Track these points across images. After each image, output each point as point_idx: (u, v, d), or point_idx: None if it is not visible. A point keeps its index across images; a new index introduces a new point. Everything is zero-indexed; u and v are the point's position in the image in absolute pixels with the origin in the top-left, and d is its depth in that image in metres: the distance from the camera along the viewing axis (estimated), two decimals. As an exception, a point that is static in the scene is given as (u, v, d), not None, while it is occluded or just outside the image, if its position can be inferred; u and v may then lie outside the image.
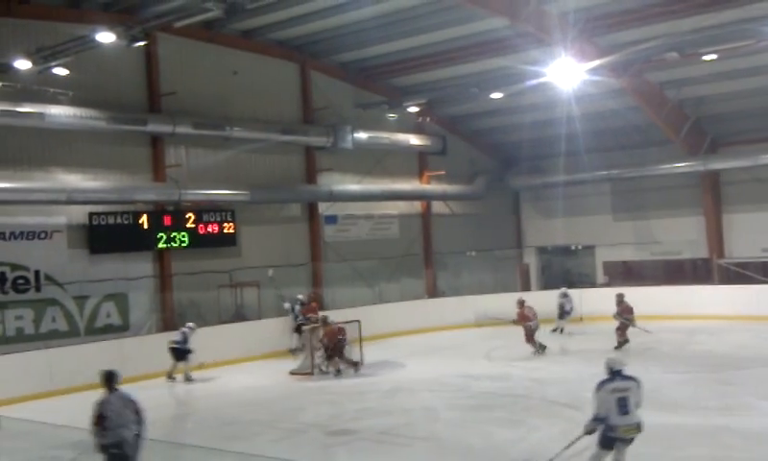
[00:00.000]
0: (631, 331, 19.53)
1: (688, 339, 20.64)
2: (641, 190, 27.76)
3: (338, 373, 18.03)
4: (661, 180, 26.83)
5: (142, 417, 9.48)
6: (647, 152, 26.64)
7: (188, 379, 18.34)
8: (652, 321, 22.55)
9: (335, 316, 19.62)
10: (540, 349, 19.28)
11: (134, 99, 20.89)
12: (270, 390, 17.24)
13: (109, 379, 9.59)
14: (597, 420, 9.06)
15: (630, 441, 9.03)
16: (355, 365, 18.36)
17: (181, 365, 18.42)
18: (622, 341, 19.43)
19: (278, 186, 23.85)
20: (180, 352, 18.32)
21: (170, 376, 18.40)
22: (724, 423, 12.10)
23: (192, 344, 18.41)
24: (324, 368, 18.24)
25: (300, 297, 22.21)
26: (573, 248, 30.35)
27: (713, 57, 20.50)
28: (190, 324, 18.89)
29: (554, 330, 22.08)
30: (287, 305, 21.92)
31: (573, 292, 23.75)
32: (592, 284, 28.48)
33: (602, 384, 9.12)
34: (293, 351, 20.82)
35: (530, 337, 19.37)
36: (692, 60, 21.19)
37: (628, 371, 9.28)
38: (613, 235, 28.45)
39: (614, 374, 9.14)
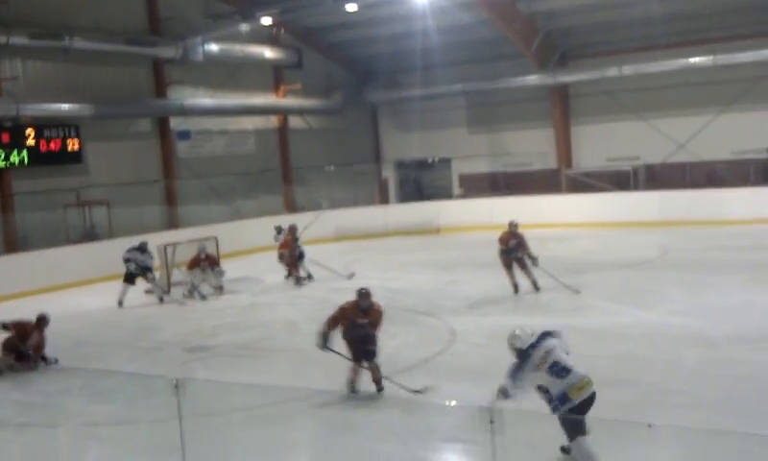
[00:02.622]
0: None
1: (539, 246, 21.11)
2: (494, 104, 28.24)
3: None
4: (513, 93, 27.32)
5: None
6: (500, 66, 27.01)
7: None
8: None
9: (193, 234, 19.20)
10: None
11: (-39, 6, 19.25)
12: (124, 310, 16.68)
13: None
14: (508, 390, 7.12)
15: (590, 402, 6.95)
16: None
17: None
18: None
19: (126, 100, 22.74)
20: None
21: None
22: (570, 322, 12.63)
23: None
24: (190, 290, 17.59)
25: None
26: (430, 161, 30.73)
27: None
28: None
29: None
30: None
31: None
32: (449, 196, 29.05)
33: (518, 370, 7.15)
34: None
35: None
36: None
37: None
38: (469, 148, 28.94)
39: (527, 350, 7.21)
